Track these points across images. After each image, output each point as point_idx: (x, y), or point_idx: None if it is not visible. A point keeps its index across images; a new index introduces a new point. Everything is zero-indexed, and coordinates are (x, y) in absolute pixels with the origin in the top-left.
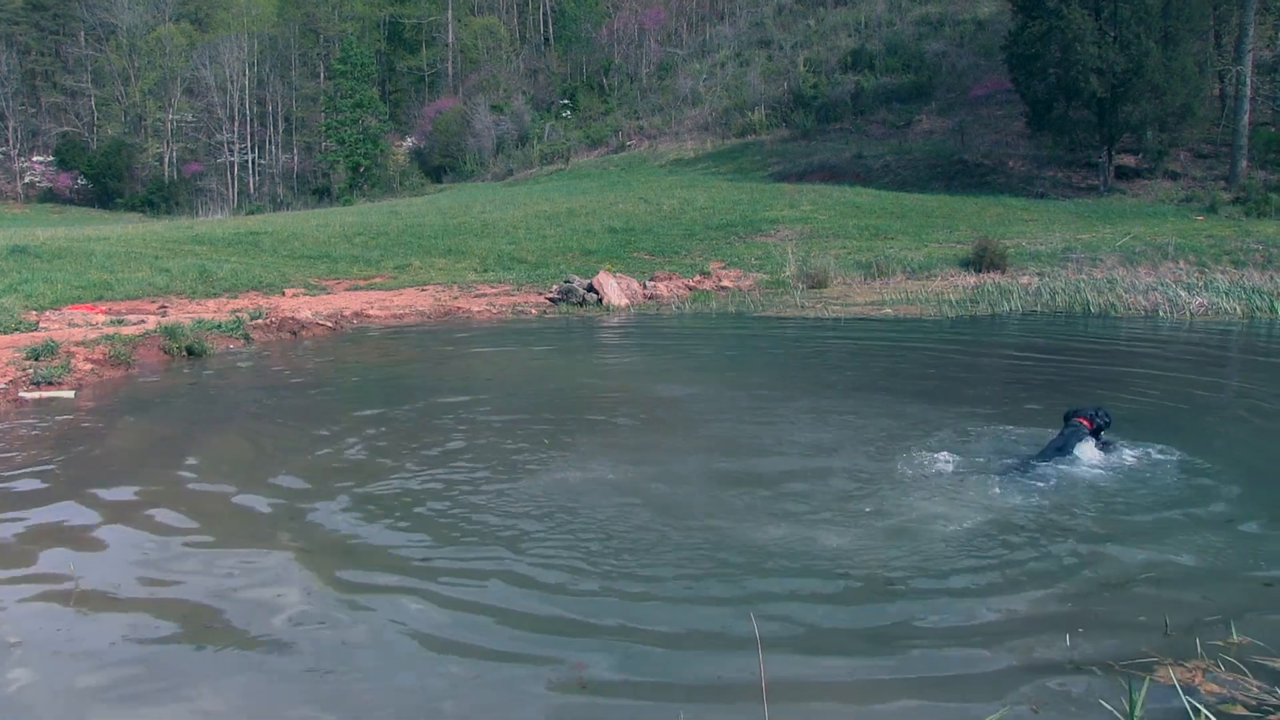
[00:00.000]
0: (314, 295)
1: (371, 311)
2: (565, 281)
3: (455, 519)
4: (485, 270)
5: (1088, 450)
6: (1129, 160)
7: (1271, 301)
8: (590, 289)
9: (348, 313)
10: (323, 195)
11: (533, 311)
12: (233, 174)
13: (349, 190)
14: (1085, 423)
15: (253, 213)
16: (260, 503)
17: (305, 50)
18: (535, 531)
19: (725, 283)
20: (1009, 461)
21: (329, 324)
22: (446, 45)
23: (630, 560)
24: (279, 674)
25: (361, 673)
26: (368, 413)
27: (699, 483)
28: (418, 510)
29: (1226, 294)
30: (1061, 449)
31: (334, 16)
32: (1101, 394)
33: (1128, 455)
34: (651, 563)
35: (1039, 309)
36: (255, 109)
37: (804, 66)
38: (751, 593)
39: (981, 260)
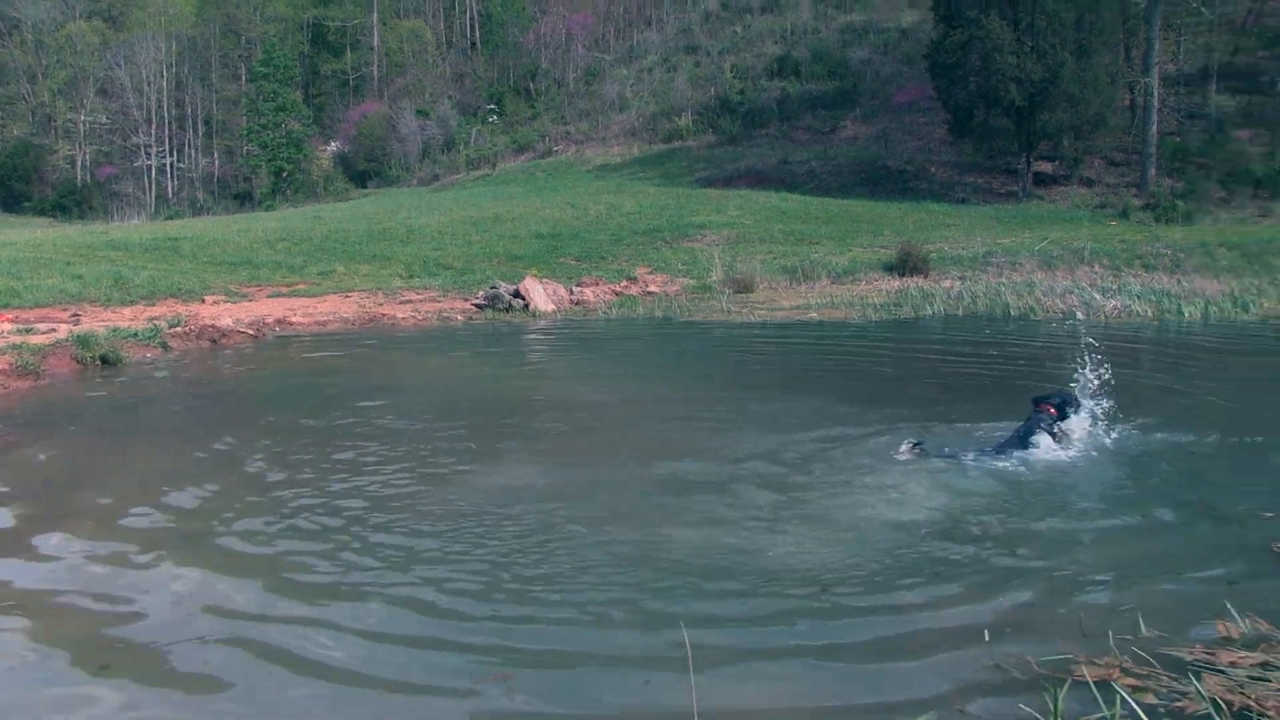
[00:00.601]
0: (235, 302)
1: (294, 319)
2: (491, 287)
3: (371, 535)
4: (410, 276)
5: (1044, 442)
6: (1046, 167)
7: (1179, 304)
8: (517, 295)
9: (270, 320)
10: (244, 200)
11: (459, 318)
12: (150, 178)
13: (272, 195)
14: (1050, 410)
15: (171, 218)
16: (167, 520)
17: (226, 52)
18: (456, 548)
19: (652, 288)
20: (950, 456)
21: (250, 331)
22: (371, 48)
23: (555, 576)
24: (171, 705)
25: (260, 708)
26: (287, 423)
27: (627, 491)
28: (332, 525)
29: (1139, 297)
30: (1023, 439)
31: (255, 18)
32: (1028, 390)
33: (1074, 446)
34: (577, 578)
35: (961, 312)
36: (174, 111)
37: (731, 73)
38: (682, 604)
39: (905, 264)
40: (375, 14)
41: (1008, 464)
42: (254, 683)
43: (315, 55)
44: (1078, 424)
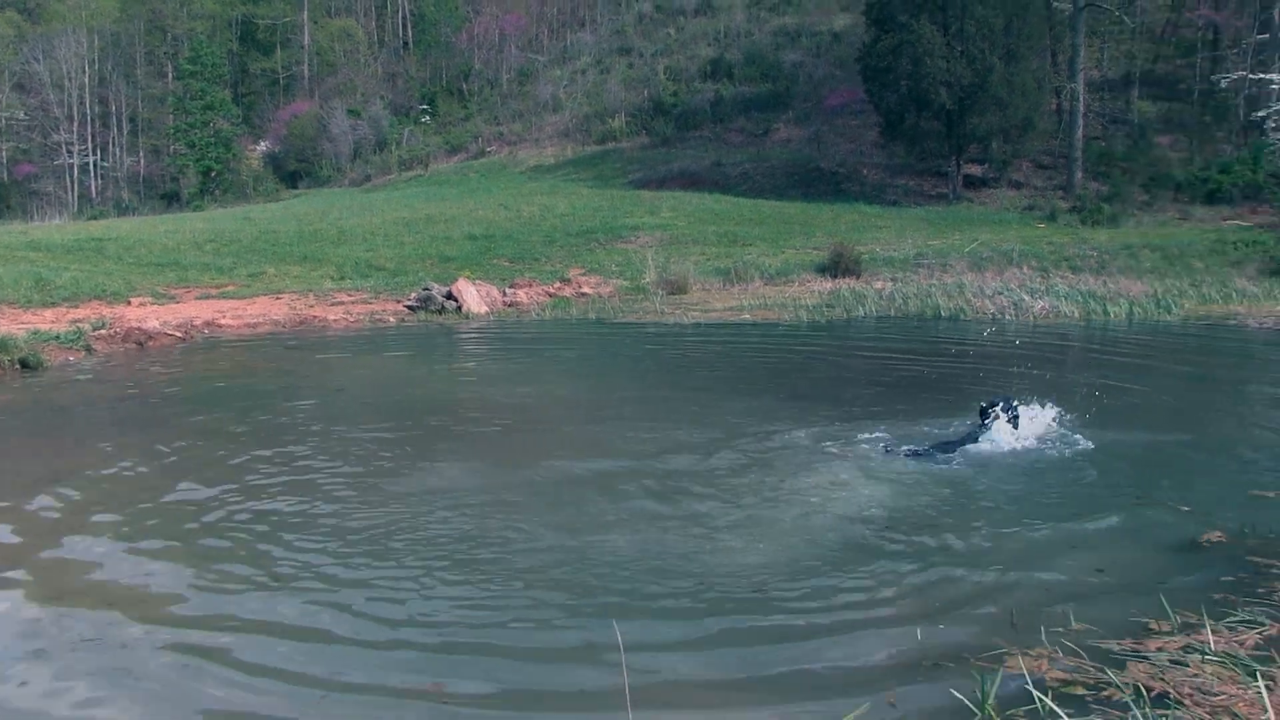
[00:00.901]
0: (162, 304)
1: (224, 320)
2: (424, 289)
3: (297, 538)
4: (342, 278)
5: (990, 442)
6: (976, 170)
7: (1105, 305)
8: (449, 296)
9: (198, 322)
10: (172, 200)
11: (391, 319)
12: (72, 177)
13: (200, 195)
14: (995, 413)
15: (95, 218)
16: (90, 527)
17: (152, 48)
18: (386, 549)
19: (585, 289)
20: (889, 450)
21: (178, 334)
22: (302, 47)
23: (487, 575)
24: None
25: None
26: (212, 426)
27: (559, 491)
28: (259, 529)
29: (1066, 298)
30: (967, 440)
31: (182, 14)
32: (965, 390)
33: (1017, 446)
34: (510, 578)
35: (892, 313)
36: (97, 109)
37: (664, 74)
38: (615, 603)
39: (837, 266)
40: (306, 12)
41: (951, 464)
42: (171, 682)
43: (244, 53)
44: (1026, 427)
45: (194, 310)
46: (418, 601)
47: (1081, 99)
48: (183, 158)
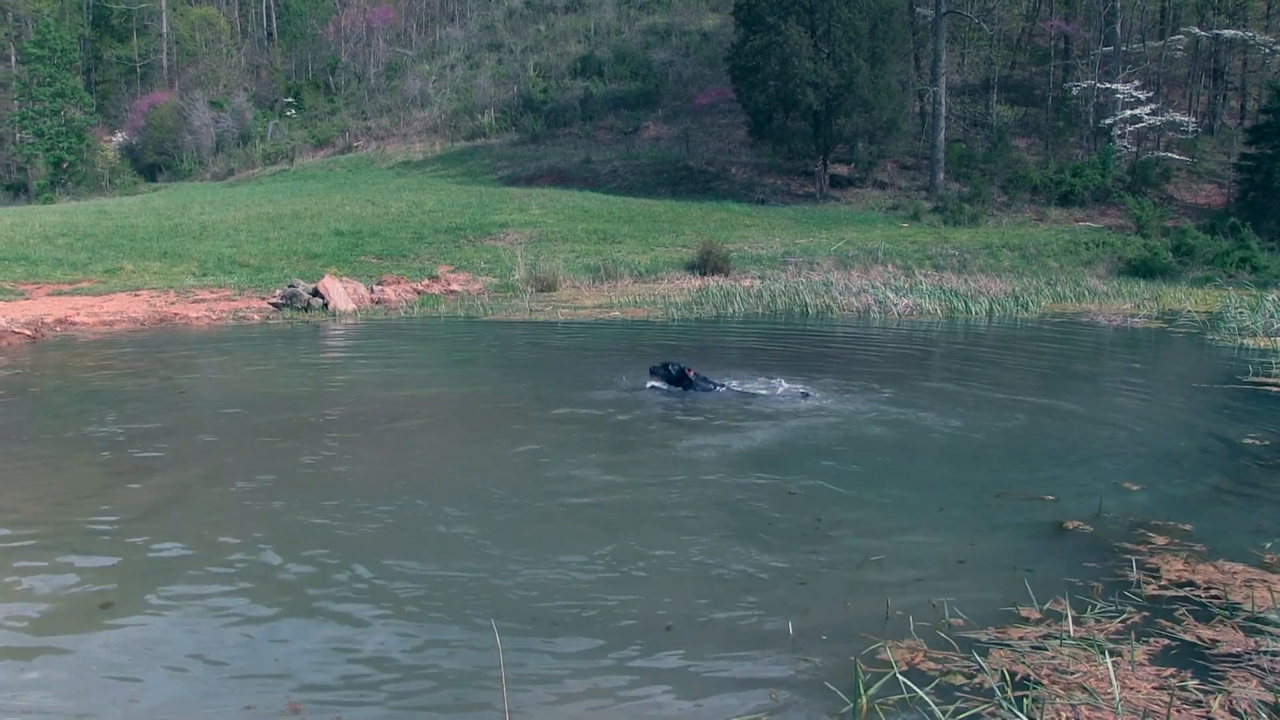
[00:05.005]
0: (9, 301)
1: (78, 318)
2: (289, 286)
3: (135, 553)
4: (204, 274)
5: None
6: (842, 170)
7: (967, 302)
8: (316, 294)
9: (49, 320)
10: (19, 192)
11: (255, 318)
12: None
13: (50, 187)
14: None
15: None
16: None
17: None
18: (242, 568)
19: (454, 287)
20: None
21: (27, 332)
22: (160, 35)
23: (346, 593)
24: None
25: None
26: (53, 433)
27: (423, 501)
28: (97, 544)
29: (929, 296)
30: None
31: None
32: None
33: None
34: (380, 592)
35: (761, 311)
36: None
37: (534, 71)
38: (495, 607)
39: (706, 264)
40: None
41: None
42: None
43: (98, 39)
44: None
45: (45, 307)
46: (264, 628)
47: (943, 102)
48: (30, 147)
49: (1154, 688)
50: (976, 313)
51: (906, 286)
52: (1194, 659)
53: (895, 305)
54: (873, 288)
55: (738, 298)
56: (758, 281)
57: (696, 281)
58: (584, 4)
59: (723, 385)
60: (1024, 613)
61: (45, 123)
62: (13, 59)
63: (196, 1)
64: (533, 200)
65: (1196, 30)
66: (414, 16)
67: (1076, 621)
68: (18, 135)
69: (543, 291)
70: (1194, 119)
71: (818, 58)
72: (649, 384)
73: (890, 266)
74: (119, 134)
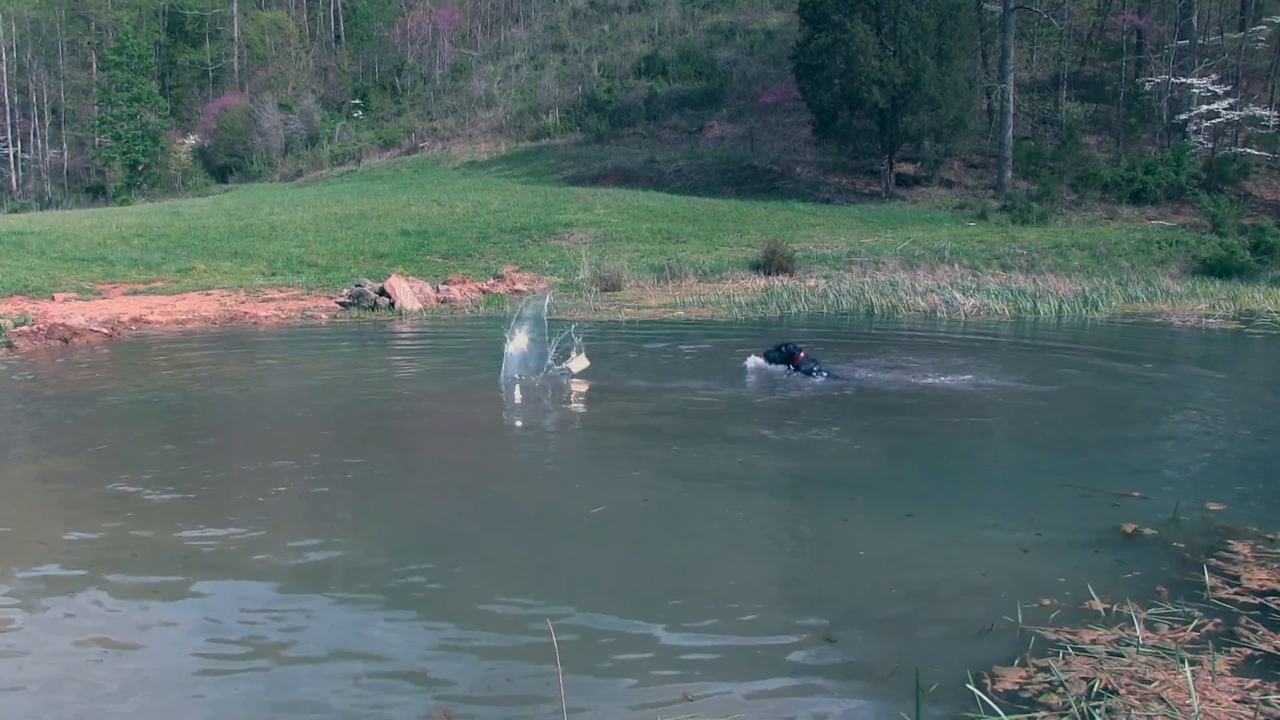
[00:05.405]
0: (88, 300)
1: (152, 317)
2: (356, 285)
3: (215, 559)
4: (273, 274)
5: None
6: (908, 168)
7: (1035, 302)
8: (382, 293)
9: (125, 319)
10: (97, 194)
11: (322, 317)
12: None
13: (126, 189)
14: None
15: (16, 211)
16: None
17: (75, 38)
18: (307, 573)
19: (519, 286)
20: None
21: (104, 330)
22: (232, 39)
23: (374, 618)
24: None
25: None
26: (137, 432)
27: (495, 513)
28: (175, 547)
29: (996, 295)
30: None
31: (106, 3)
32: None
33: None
34: (411, 621)
35: (826, 310)
36: (17, 98)
37: (598, 71)
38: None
39: (770, 263)
40: (235, 4)
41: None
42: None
43: (172, 45)
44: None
45: (121, 306)
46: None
47: (1011, 99)
48: (108, 150)
49: (1235, 700)
50: (1045, 313)
51: (974, 286)
52: (1278, 671)
53: (962, 305)
54: (939, 288)
55: (803, 297)
56: (823, 281)
57: (761, 281)
58: (648, 4)
59: (826, 372)
60: (1093, 610)
61: (123, 127)
62: (93, 66)
63: (267, 6)
64: (597, 200)
65: None
66: (479, 18)
67: (1149, 627)
68: (97, 139)
69: (607, 291)
70: (1276, 113)
71: (883, 55)
72: (749, 363)
73: (957, 266)
74: (191, 137)
